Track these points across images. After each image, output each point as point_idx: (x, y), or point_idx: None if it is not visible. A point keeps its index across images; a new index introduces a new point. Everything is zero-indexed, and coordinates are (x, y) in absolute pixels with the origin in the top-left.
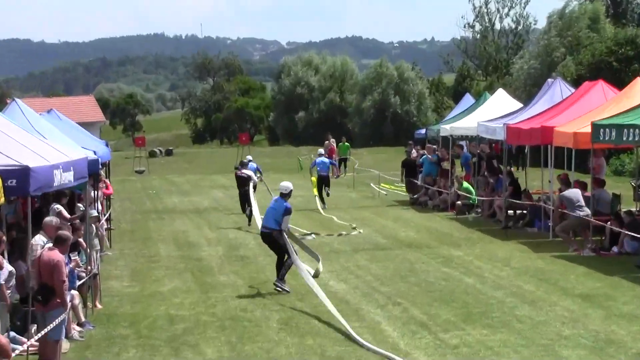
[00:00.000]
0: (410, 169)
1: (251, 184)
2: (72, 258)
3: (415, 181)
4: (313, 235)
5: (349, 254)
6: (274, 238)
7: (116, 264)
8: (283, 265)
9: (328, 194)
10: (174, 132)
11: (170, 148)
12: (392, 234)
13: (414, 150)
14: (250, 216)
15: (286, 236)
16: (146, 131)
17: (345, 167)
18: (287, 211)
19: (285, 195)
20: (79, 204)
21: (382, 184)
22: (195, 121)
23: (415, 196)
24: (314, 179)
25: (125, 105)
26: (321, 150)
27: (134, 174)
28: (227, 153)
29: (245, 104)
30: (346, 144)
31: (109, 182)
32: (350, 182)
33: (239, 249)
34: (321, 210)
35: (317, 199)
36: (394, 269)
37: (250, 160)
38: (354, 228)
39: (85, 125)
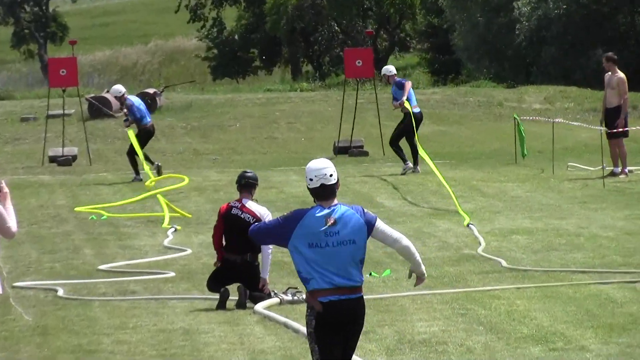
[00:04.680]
0: None
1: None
2: None
3: None
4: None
5: None
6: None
7: None
8: None
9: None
10: (162, 43)
11: (162, 87)
12: None
13: None
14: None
15: None
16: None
17: None
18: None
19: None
20: None
21: None
22: (219, 10)
23: None
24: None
25: None
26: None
27: (47, 166)
28: (320, 104)
29: None
30: None
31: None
32: None
33: None
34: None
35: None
36: None
37: (120, 94)
38: None
39: None
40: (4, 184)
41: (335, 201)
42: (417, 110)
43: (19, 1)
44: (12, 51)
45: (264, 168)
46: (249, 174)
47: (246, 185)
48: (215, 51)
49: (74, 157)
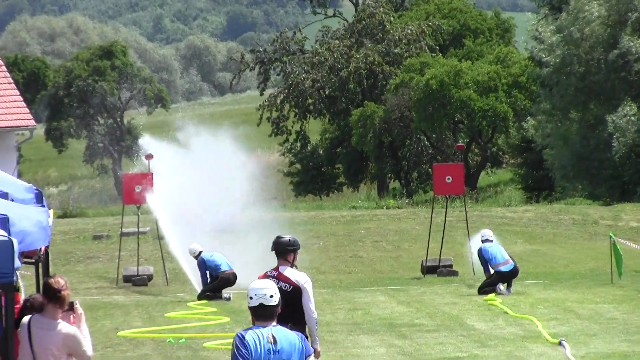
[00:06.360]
0: None
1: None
2: None
3: None
4: None
5: None
6: None
7: None
8: None
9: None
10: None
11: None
12: None
13: None
14: None
15: None
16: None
17: None
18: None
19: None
20: None
21: None
22: (302, 123)
23: None
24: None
25: (90, 82)
26: (487, 233)
27: (122, 287)
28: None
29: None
30: None
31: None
32: None
33: None
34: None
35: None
36: None
37: (195, 254)
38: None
39: None
40: (78, 305)
41: (274, 323)
42: (506, 268)
43: (92, 114)
44: (85, 166)
45: (349, 288)
46: (283, 239)
47: (281, 252)
48: (299, 166)
49: (150, 277)
